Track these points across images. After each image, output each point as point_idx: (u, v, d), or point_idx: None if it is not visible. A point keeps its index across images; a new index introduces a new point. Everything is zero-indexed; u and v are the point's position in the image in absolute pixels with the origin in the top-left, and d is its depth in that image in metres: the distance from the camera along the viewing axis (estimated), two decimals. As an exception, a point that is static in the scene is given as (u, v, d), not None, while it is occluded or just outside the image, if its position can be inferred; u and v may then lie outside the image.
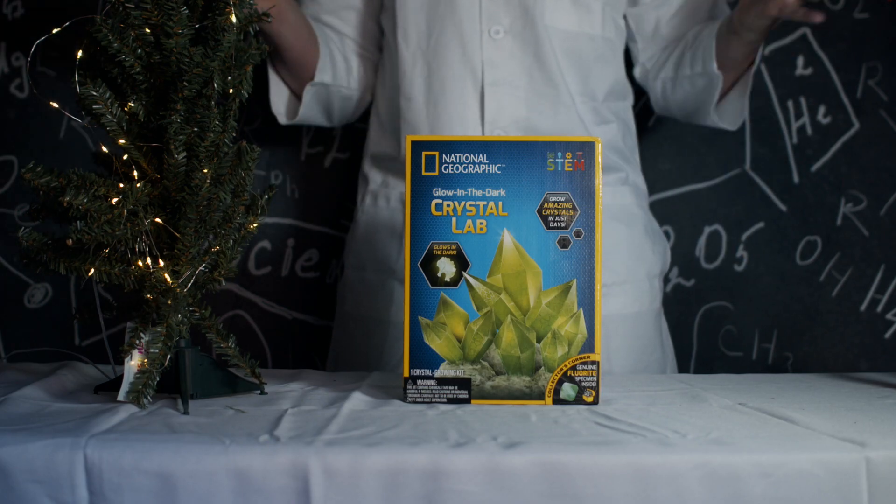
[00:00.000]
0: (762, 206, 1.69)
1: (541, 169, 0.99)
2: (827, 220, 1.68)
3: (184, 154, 0.96)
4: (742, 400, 1.00)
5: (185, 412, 0.92)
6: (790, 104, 1.68)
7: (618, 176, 1.43)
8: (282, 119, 1.48)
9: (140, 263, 0.95)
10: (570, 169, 0.99)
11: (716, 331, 1.69)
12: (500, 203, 0.99)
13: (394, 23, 1.41)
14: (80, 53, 0.98)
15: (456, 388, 0.99)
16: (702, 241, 1.70)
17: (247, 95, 1.01)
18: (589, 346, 0.99)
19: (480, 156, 0.99)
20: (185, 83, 0.94)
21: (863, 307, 1.67)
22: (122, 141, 0.97)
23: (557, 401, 0.99)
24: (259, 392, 1.03)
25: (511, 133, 1.36)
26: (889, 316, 1.67)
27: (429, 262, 0.99)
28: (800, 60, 1.68)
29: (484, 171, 0.99)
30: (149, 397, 0.94)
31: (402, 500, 0.77)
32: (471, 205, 0.99)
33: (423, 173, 0.99)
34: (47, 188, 0.94)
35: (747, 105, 1.46)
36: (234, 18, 0.97)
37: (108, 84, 0.97)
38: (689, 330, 1.70)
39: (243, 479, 0.77)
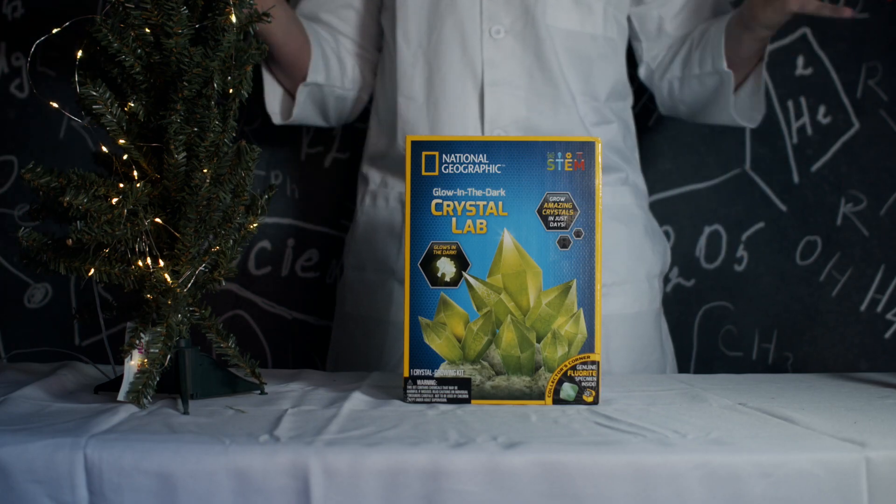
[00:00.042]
0: (762, 206, 1.69)
1: (541, 169, 0.99)
2: (827, 220, 1.68)
3: (184, 154, 0.96)
4: (742, 400, 1.00)
5: (185, 412, 0.92)
6: (790, 104, 1.68)
7: (618, 176, 1.43)
8: (276, 119, 1.48)
9: (140, 263, 0.95)
10: (570, 169, 0.99)
11: (716, 331, 1.69)
12: (500, 203, 0.99)
13: (394, 22, 1.41)
14: (80, 53, 0.97)
15: (456, 388, 0.99)
16: (702, 241, 1.70)
17: (247, 95, 1.01)
18: (589, 346, 0.99)
19: (480, 156, 0.99)
20: (185, 83, 0.94)
21: (863, 307, 1.67)
22: (122, 141, 0.97)
23: (557, 401, 0.99)
24: (259, 392, 1.03)
25: (511, 133, 1.36)
26: (889, 316, 1.67)
27: (429, 262, 0.99)
28: (800, 60, 1.68)
29: (484, 171, 0.99)
30: (149, 397, 0.94)
31: (402, 500, 0.77)
32: (471, 205, 0.99)
33: (423, 173, 0.99)
34: (47, 188, 0.94)
35: (764, 101, 1.45)
36: (234, 18, 0.97)
37: (108, 84, 0.97)
38: (689, 330, 1.70)
39: (243, 479, 0.77)
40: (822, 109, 1.68)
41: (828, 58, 1.67)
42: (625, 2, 1.45)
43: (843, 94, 1.67)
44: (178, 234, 0.96)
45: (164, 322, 0.97)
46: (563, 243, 0.99)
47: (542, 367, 0.98)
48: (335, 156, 1.70)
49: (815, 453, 0.79)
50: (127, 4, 0.96)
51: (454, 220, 0.99)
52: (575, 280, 0.98)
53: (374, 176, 1.47)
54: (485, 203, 0.99)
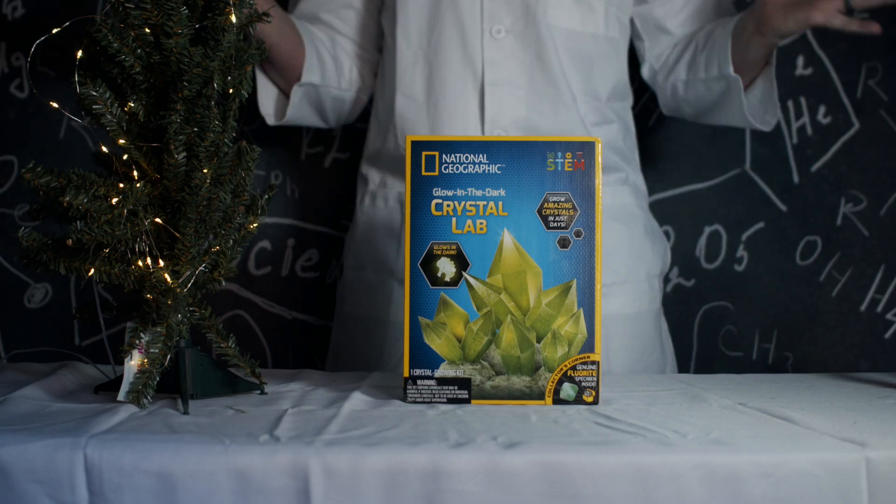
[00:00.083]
0: (762, 206, 1.69)
1: (541, 169, 0.99)
2: (827, 220, 1.68)
3: (184, 154, 0.96)
4: (742, 400, 1.00)
5: (185, 412, 0.92)
6: (790, 104, 1.68)
7: (618, 176, 1.43)
8: (270, 120, 1.47)
9: (140, 263, 0.95)
10: (570, 169, 0.99)
11: (716, 331, 1.69)
12: (500, 203, 0.99)
13: (394, 22, 1.41)
14: (80, 53, 0.97)
15: (456, 388, 0.99)
16: (702, 241, 1.70)
17: (247, 95, 1.01)
18: (589, 346, 0.99)
19: (480, 156, 0.99)
20: (185, 83, 0.94)
21: (863, 307, 1.67)
22: (122, 141, 0.97)
23: (557, 401, 0.99)
24: (259, 392, 1.03)
25: (511, 133, 1.36)
26: (889, 316, 1.67)
27: (429, 262, 0.99)
28: (800, 60, 1.68)
29: (484, 171, 0.99)
30: (149, 397, 0.94)
31: (402, 500, 0.77)
32: (471, 205, 0.99)
33: (423, 173, 0.99)
34: (47, 188, 0.94)
35: (777, 105, 1.43)
36: (234, 18, 0.97)
37: (108, 84, 0.97)
38: (689, 330, 1.70)
39: (243, 479, 0.77)
40: (822, 109, 1.68)
41: (828, 58, 1.67)
42: (627, 1, 1.45)
43: (843, 94, 1.68)
44: (178, 234, 0.96)
45: (164, 322, 0.97)
46: (563, 243, 0.99)
47: (542, 367, 0.98)
48: (335, 156, 1.70)
49: (815, 453, 0.79)
50: (127, 4, 0.96)
51: (454, 220, 0.99)
52: (575, 280, 0.98)
53: (373, 176, 1.47)
54: (485, 203, 0.99)
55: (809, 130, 1.68)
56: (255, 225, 1.03)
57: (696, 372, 1.66)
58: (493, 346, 0.98)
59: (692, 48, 1.46)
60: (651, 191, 1.59)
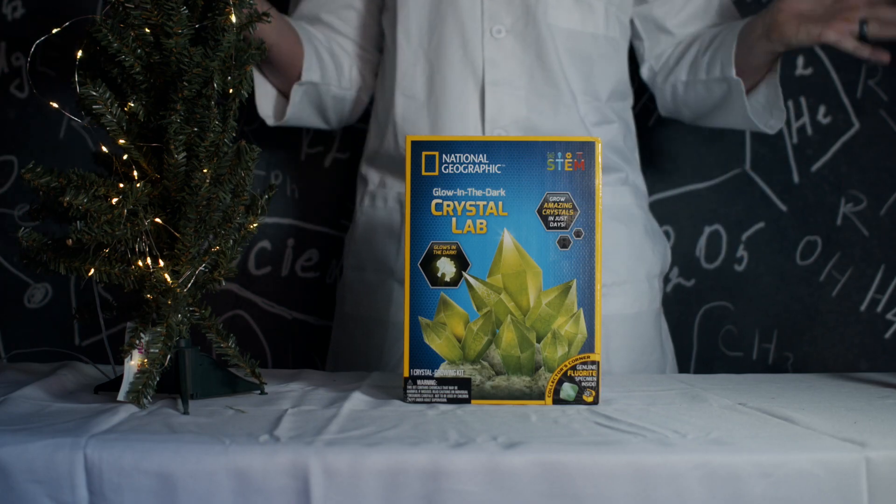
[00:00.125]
0: (762, 206, 1.69)
1: (541, 169, 0.99)
2: (827, 220, 1.68)
3: (184, 154, 0.96)
4: (742, 400, 1.00)
5: (185, 412, 0.92)
6: (790, 104, 1.68)
7: (618, 176, 1.43)
8: (269, 121, 1.47)
9: (140, 263, 0.96)
10: (570, 169, 0.99)
11: (716, 331, 1.69)
12: (500, 203, 0.99)
13: (394, 22, 1.41)
14: (80, 53, 0.98)
15: (456, 388, 0.99)
16: (702, 241, 1.70)
17: (247, 95, 1.01)
18: (589, 346, 0.99)
19: (480, 156, 0.99)
20: (185, 83, 0.94)
21: (863, 307, 1.67)
22: (122, 141, 0.97)
23: (557, 401, 0.99)
24: (259, 392, 1.03)
25: (511, 133, 1.36)
26: (889, 316, 1.67)
27: (429, 262, 0.99)
28: (800, 60, 1.68)
29: (484, 171, 0.99)
30: (149, 397, 0.94)
31: (402, 500, 0.77)
32: (471, 205, 0.99)
33: (423, 173, 0.99)
34: (47, 188, 0.94)
35: (783, 109, 1.42)
36: (233, 18, 0.97)
37: (108, 84, 0.97)
38: (689, 330, 1.70)
39: (243, 479, 0.77)
40: (822, 109, 1.68)
41: (828, 58, 1.67)
42: (627, 1, 1.45)
43: (843, 94, 1.67)
44: (178, 234, 0.96)
45: (164, 322, 0.97)
46: (563, 243, 0.99)
47: (542, 367, 0.98)
48: (335, 156, 1.70)
49: (815, 453, 0.79)
50: (127, 4, 0.96)
51: (454, 220, 0.99)
52: (575, 280, 0.98)
53: (372, 176, 1.47)
54: (485, 203, 0.99)
55: (809, 130, 1.68)
56: (255, 225, 1.03)
57: (696, 372, 1.66)
58: (493, 346, 0.98)
59: (695, 49, 1.46)
60: (651, 191, 1.59)
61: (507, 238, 0.98)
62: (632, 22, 1.48)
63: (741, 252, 1.69)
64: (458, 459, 0.78)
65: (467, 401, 0.99)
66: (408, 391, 0.99)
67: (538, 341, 0.98)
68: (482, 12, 1.36)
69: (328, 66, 1.45)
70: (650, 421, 0.89)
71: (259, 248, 1.68)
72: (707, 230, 1.70)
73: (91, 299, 1.02)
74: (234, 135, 0.99)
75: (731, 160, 1.69)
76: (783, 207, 1.69)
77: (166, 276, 0.96)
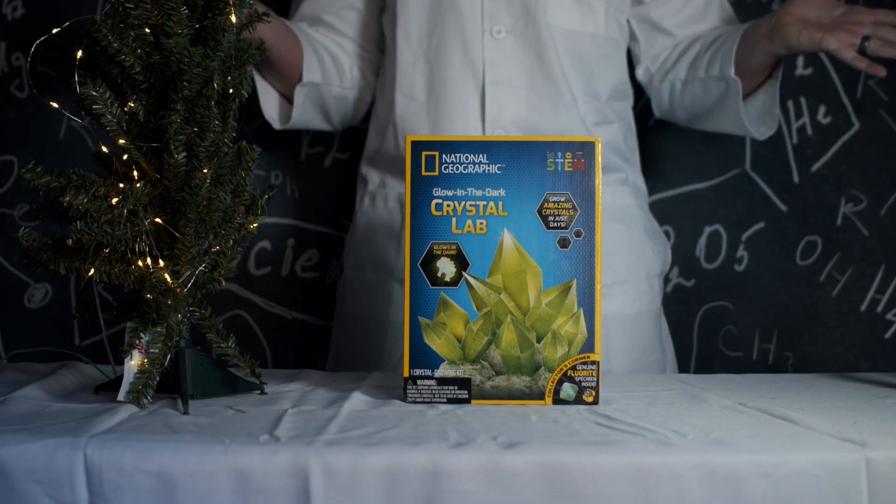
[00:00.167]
0: (762, 206, 1.69)
1: (541, 169, 0.99)
2: (827, 220, 1.68)
3: (184, 154, 0.96)
4: (742, 400, 1.00)
5: (185, 412, 0.92)
6: (790, 104, 1.68)
7: (618, 176, 1.43)
8: (275, 124, 1.47)
9: (140, 263, 0.96)
10: (570, 169, 0.99)
11: (716, 331, 1.69)
12: (500, 203, 0.99)
13: (394, 22, 1.41)
14: (80, 53, 0.98)
15: (456, 388, 0.99)
16: (702, 241, 1.70)
17: (247, 95, 1.01)
18: (589, 346, 0.99)
19: (480, 156, 0.99)
20: (185, 83, 0.94)
21: (863, 307, 1.67)
22: (122, 141, 0.97)
23: (557, 401, 0.99)
24: (259, 392, 1.03)
25: (511, 133, 1.36)
26: (889, 316, 1.67)
27: (429, 262, 0.99)
28: (800, 60, 1.68)
29: (484, 171, 0.99)
30: (149, 397, 0.94)
31: (402, 500, 0.77)
32: (471, 205, 0.99)
33: (423, 173, 0.99)
34: (47, 188, 0.94)
35: (777, 117, 1.42)
36: (233, 18, 0.97)
37: (108, 84, 0.97)
38: (689, 330, 1.70)
39: (243, 479, 0.77)
40: (822, 109, 1.68)
41: (828, 58, 1.67)
42: (625, 2, 1.45)
43: (843, 94, 1.67)
44: (178, 234, 0.96)
45: (164, 322, 0.97)
46: (563, 243, 0.99)
47: (542, 367, 0.99)
48: (335, 156, 1.70)
49: (815, 453, 0.79)
50: (127, 4, 0.96)
51: (454, 220, 0.99)
52: (575, 280, 0.98)
53: (373, 176, 1.47)
54: (485, 203, 0.99)
55: (809, 130, 1.68)
56: (255, 225, 1.03)
57: (696, 372, 1.66)
58: (493, 346, 0.98)
59: (696, 48, 1.46)
60: (651, 191, 1.59)
61: (507, 238, 0.98)
62: (628, 22, 1.48)
63: (741, 252, 1.69)
64: (458, 459, 0.78)
65: (467, 401, 0.99)
66: (408, 391, 0.99)
67: (538, 341, 0.98)
68: (482, 13, 1.36)
69: (328, 67, 1.45)
70: (650, 421, 0.89)
71: (259, 248, 1.68)
72: (707, 230, 1.70)
73: (91, 299, 1.02)
74: (234, 135, 0.99)
75: (731, 160, 1.69)
76: (783, 207, 1.69)
77: (166, 276, 0.96)
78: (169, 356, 0.97)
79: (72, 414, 0.90)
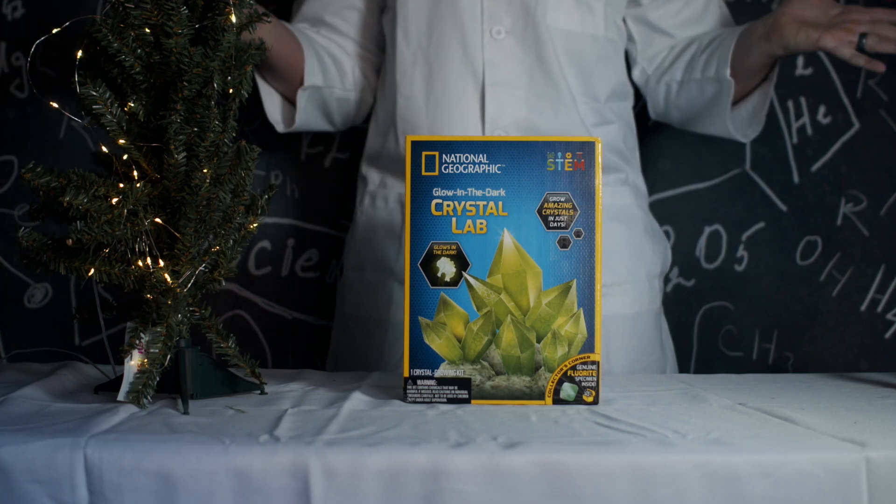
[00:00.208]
0: (762, 206, 1.69)
1: (541, 169, 0.99)
2: (827, 220, 1.68)
3: (184, 154, 0.96)
4: (742, 400, 1.00)
5: (185, 412, 0.92)
6: (790, 104, 1.68)
7: (617, 176, 1.43)
8: (279, 127, 1.47)
9: (140, 263, 0.96)
10: (570, 169, 0.99)
11: (716, 331, 1.69)
12: (500, 203, 0.99)
13: (394, 22, 1.41)
14: (80, 53, 0.98)
15: (456, 388, 0.99)
16: (702, 241, 1.70)
17: (247, 95, 1.01)
18: (589, 346, 0.99)
19: (480, 156, 0.99)
20: (185, 83, 0.94)
21: (863, 307, 1.67)
22: (122, 141, 0.97)
23: (557, 401, 0.99)
24: (259, 392, 1.03)
25: (511, 133, 1.36)
26: (889, 316, 1.67)
27: (429, 262, 0.99)
28: (800, 60, 1.68)
29: (484, 171, 0.99)
30: (149, 397, 0.94)
31: (402, 500, 0.77)
32: (471, 205, 0.99)
33: (423, 173, 0.99)
34: (47, 188, 0.94)
35: (763, 120, 1.43)
36: (233, 18, 0.97)
37: (108, 84, 0.97)
38: (689, 330, 1.70)
39: (243, 479, 0.77)
40: (822, 109, 1.68)
41: (828, 58, 1.67)
42: (621, 2, 1.45)
43: (843, 94, 1.67)
44: (178, 234, 0.96)
45: (164, 322, 0.97)
46: (563, 243, 0.99)
47: (542, 367, 0.98)
48: (335, 156, 1.70)
49: (815, 453, 0.79)
50: (127, 4, 0.96)
51: (454, 220, 0.99)
52: (575, 280, 0.98)
53: (373, 176, 1.47)
54: (485, 203, 0.99)
55: (809, 130, 1.68)
56: (255, 225, 1.03)
57: (696, 372, 1.66)
58: (493, 346, 0.98)
59: (693, 49, 1.46)
60: (651, 191, 1.59)
61: (507, 238, 0.98)
62: (624, 23, 1.48)
63: (741, 252, 1.69)
64: (458, 459, 0.78)
65: (467, 401, 0.99)
66: (408, 391, 0.99)
67: (538, 341, 0.98)
68: (482, 13, 1.36)
69: (330, 69, 1.45)
70: (650, 421, 0.89)
71: (259, 248, 1.68)
72: (707, 230, 1.70)
73: (91, 299, 1.02)
74: (234, 135, 0.99)
75: (731, 160, 1.69)
76: (783, 207, 1.69)
77: (166, 276, 0.96)
78: (169, 356, 0.97)
79: (72, 414, 0.90)
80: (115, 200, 0.93)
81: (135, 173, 0.97)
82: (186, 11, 0.95)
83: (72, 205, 0.92)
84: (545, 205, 0.99)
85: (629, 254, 1.42)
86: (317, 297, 1.68)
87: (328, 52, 1.46)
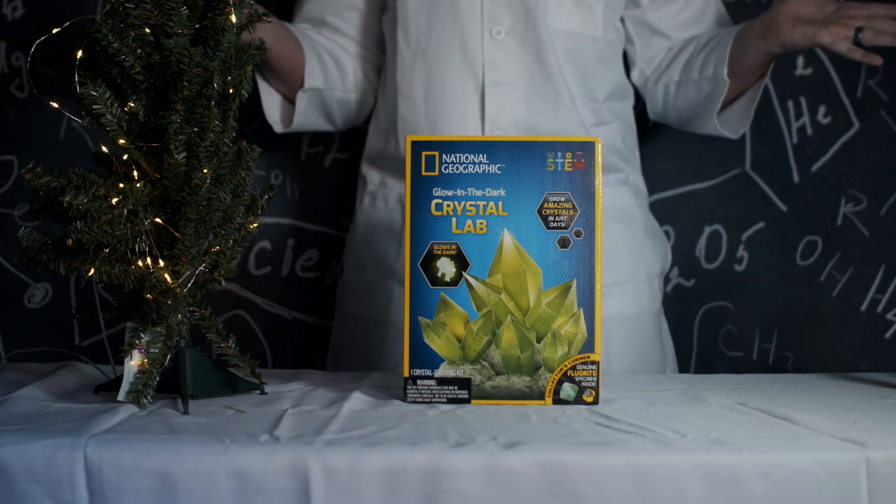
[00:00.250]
0: (762, 206, 1.69)
1: (541, 169, 0.99)
2: (827, 220, 1.68)
3: (184, 154, 0.96)
4: (742, 400, 1.00)
5: (185, 412, 0.92)
6: (790, 104, 1.68)
7: (617, 176, 1.43)
8: (278, 128, 1.47)
9: (140, 263, 0.96)
10: (570, 169, 0.99)
11: (716, 331, 1.69)
12: (500, 203, 0.99)
13: (394, 23, 1.41)
14: (80, 53, 0.98)
15: (456, 388, 0.99)
16: (702, 241, 1.70)
17: (247, 95, 1.01)
18: (589, 346, 0.99)
19: (480, 156, 0.99)
20: (185, 83, 0.94)
21: (863, 307, 1.67)
22: (122, 141, 0.97)
23: (557, 401, 0.99)
24: (259, 392, 1.03)
25: (511, 133, 1.36)
26: (889, 316, 1.67)
27: (429, 262, 0.99)
28: (800, 60, 1.68)
29: (484, 171, 0.99)
30: (149, 397, 0.94)
31: (402, 500, 0.77)
32: (471, 205, 0.99)
33: (423, 173, 0.99)
34: (47, 188, 0.94)
35: (752, 116, 1.44)
36: (233, 18, 0.97)
37: (108, 84, 0.97)
38: (689, 330, 1.70)
39: (243, 479, 0.77)
40: (822, 109, 1.68)
41: (828, 58, 1.67)
42: (620, 4, 1.45)
43: (843, 94, 1.67)
44: (178, 234, 0.96)
45: (164, 322, 0.97)
46: (563, 243, 0.99)
47: (542, 367, 0.98)
48: (335, 156, 1.70)
49: (815, 453, 0.79)
50: (127, 4, 0.96)
51: (454, 220, 0.99)
52: (575, 280, 0.98)
53: (373, 176, 1.47)
54: (485, 203, 0.99)
55: (809, 130, 1.68)
56: (255, 225, 1.03)
57: (696, 372, 1.66)
58: (493, 346, 0.98)
59: (690, 49, 1.46)
60: (651, 191, 1.59)
61: (507, 238, 0.98)
62: (623, 23, 1.48)
63: (741, 252, 1.69)
64: (458, 459, 0.78)
65: (467, 401, 0.99)
66: (408, 391, 0.99)
67: (538, 341, 0.98)
68: (482, 13, 1.36)
69: (331, 71, 1.45)
70: (650, 421, 0.89)
71: (259, 248, 1.68)
72: (707, 230, 1.70)
73: (91, 299, 1.02)
74: (234, 135, 0.99)
75: (731, 160, 1.69)
76: (783, 207, 1.69)
77: (166, 276, 0.96)
78: (169, 356, 0.97)
79: (72, 414, 0.90)
80: (115, 200, 0.93)
81: (135, 173, 0.97)
82: (186, 11, 0.95)
83: (72, 205, 0.92)
84: (545, 205, 0.99)
85: (629, 254, 1.42)
86: (317, 297, 1.68)
87: (329, 53, 1.46)
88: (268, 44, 1.14)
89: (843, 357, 1.67)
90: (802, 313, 1.68)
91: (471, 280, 0.98)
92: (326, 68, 1.45)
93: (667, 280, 1.67)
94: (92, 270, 0.95)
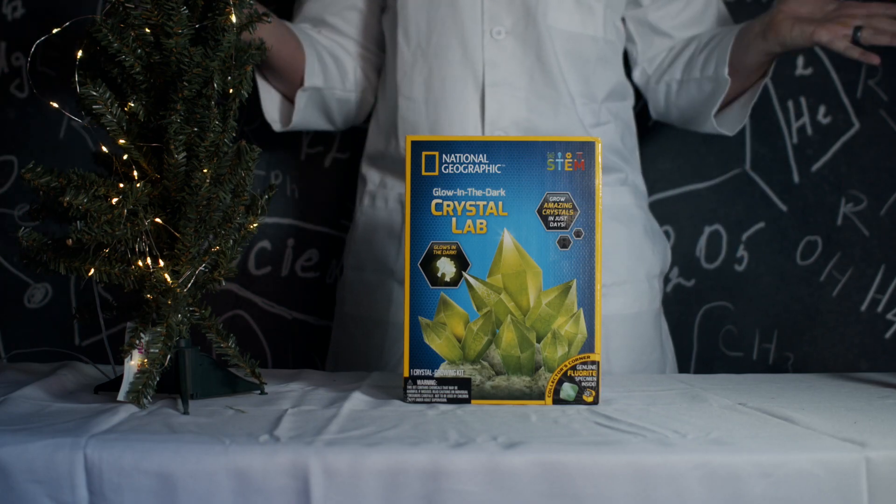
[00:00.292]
0: (762, 206, 1.69)
1: (541, 169, 0.99)
2: (827, 220, 1.68)
3: (184, 154, 0.96)
4: (742, 400, 1.00)
5: (185, 412, 0.92)
6: (790, 104, 1.68)
7: (617, 176, 1.43)
8: (276, 126, 1.47)
9: (140, 263, 0.96)
10: (570, 169, 0.99)
11: (716, 331, 1.69)
12: (500, 203, 0.99)
13: (395, 23, 1.41)
14: (80, 53, 0.98)
15: (456, 388, 0.99)
16: (702, 241, 1.70)
17: (247, 95, 1.01)
18: (589, 346, 0.99)
19: (480, 156, 0.99)
20: (185, 83, 0.94)
21: (863, 307, 1.67)
22: (122, 141, 0.97)
23: (557, 401, 0.99)
24: (259, 392, 1.03)
25: (511, 134, 1.36)
26: (889, 316, 1.67)
27: (429, 262, 0.99)
28: (800, 60, 1.68)
29: (484, 171, 0.99)
30: (149, 397, 0.94)
31: (402, 500, 0.77)
32: (471, 205, 0.99)
33: (423, 173, 0.99)
34: (47, 188, 0.94)
35: (748, 113, 1.45)
36: (234, 18, 0.97)
37: (108, 84, 0.97)
38: (689, 330, 1.70)
39: (243, 479, 0.77)
40: (822, 109, 1.68)
41: (828, 58, 1.67)
42: (621, 4, 1.45)
43: (843, 94, 1.67)
44: (178, 234, 0.96)
45: (164, 322, 0.97)
46: (563, 243, 0.99)
47: (542, 367, 0.99)
48: (335, 156, 1.70)
49: (815, 453, 0.79)
50: (127, 4, 0.96)
51: (454, 220, 0.99)
52: (575, 280, 0.98)
53: (373, 176, 1.47)
54: (485, 203, 0.99)
55: (809, 130, 1.68)
56: (255, 225, 1.03)
57: (696, 372, 1.66)
58: (493, 346, 0.98)
59: (691, 48, 1.46)
60: (651, 191, 1.59)
61: (507, 238, 0.98)
62: (624, 23, 1.48)
63: (741, 252, 1.69)
64: (458, 459, 0.78)
65: (467, 401, 0.99)
66: (408, 391, 0.99)
67: (538, 341, 0.98)
68: (482, 13, 1.36)
69: (331, 70, 1.45)
70: (650, 421, 0.89)
71: (259, 248, 1.68)
72: (707, 230, 1.70)
73: (91, 299, 1.02)
74: (234, 135, 0.99)
75: (731, 160, 1.69)
76: (783, 207, 1.69)
77: (166, 276, 0.96)
78: (169, 356, 0.97)
79: (72, 414, 0.90)
80: (115, 200, 0.93)
81: (135, 173, 0.97)
82: (186, 11, 0.95)
83: (72, 205, 0.92)
84: (545, 205, 0.99)
85: (629, 254, 1.42)
86: (317, 297, 1.69)
87: (330, 53, 1.46)
88: (268, 43, 1.14)
89: (843, 357, 1.67)
90: (802, 313, 1.68)
91: (471, 280, 0.98)
92: (326, 68, 1.45)
93: (667, 280, 1.67)
94: (92, 270, 0.95)
